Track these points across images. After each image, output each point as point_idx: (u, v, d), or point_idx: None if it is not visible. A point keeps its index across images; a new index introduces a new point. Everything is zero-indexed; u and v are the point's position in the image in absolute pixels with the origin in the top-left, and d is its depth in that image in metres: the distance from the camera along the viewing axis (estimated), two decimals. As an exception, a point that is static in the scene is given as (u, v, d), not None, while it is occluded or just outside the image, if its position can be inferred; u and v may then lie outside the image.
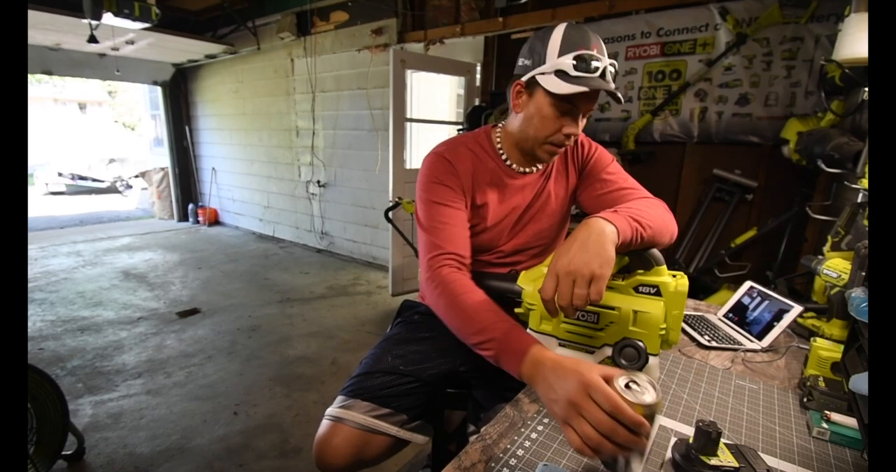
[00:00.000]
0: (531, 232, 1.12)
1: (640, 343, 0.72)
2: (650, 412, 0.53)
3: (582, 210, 1.09)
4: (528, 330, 0.82)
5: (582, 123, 0.97)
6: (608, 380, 0.56)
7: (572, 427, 0.57)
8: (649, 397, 0.53)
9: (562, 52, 0.89)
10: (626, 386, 0.55)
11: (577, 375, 0.58)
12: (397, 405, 1.00)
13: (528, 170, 1.07)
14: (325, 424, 0.99)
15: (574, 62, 0.88)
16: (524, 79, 0.96)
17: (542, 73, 0.92)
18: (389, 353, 1.08)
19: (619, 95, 0.91)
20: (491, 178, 1.05)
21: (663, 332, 0.74)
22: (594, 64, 0.88)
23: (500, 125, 1.10)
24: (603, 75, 0.89)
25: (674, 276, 0.76)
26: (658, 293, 0.74)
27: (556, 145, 0.98)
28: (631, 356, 0.72)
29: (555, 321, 0.79)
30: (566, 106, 0.93)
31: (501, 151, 1.07)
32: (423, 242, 0.99)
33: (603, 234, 0.71)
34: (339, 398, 1.02)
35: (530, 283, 0.83)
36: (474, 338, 0.80)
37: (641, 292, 0.75)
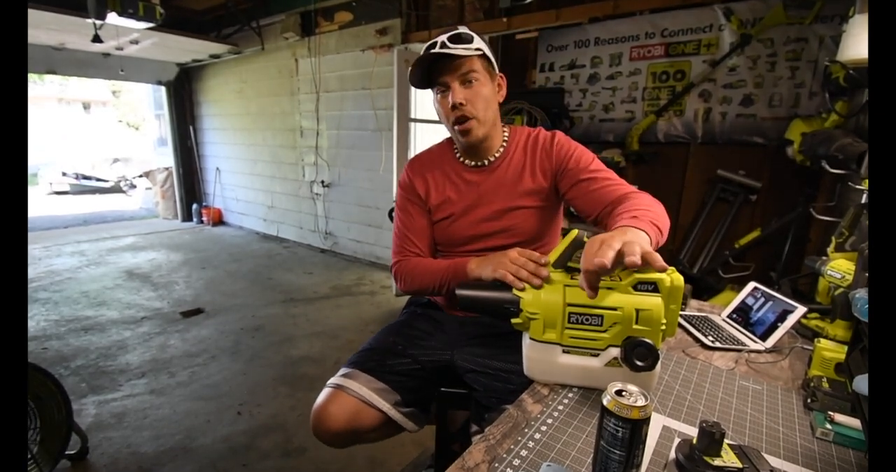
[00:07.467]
0: (499, 221, 1.14)
1: (650, 341, 0.73)
2: (645, 414, 0.57)
3: (575, 209, 1.11)
4: (529, 339, 0.82)
5: (465, 90, 1.05)
6: None
7: (503, 269, 0.85)
8: (640, 402, 0.57)
9: None
10: (618, 393, 0.59)
11: (500, 253, 0.91)
12: (393, 382, 1.07)
13: (479, 163, 1.17)
14: (325, 391, 1.06)
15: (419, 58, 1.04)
16: None
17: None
18: (392, 333, 1.18)
19: (457, 52, 1.01)
20: (450, 176, 1.18)
21: (664, 327, 0.74)
22: (430, 46, 1.03)
23: None
24: (442, 46, 1.02)
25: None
26: (656, 290, 0.75)
27: (458, 122, 1.08)
28: (643, 355, 0.73)
29: (558, 329, 0.78)
30: (438, 88, 1.08)
31: (457, 152, 1.20)
32: (392, 244, 1.22)
33: (641, 237, 0.75)
34: (342, 369, 1.10)
35: (528, 291, 0.81)
36: (442, 289, 1.06)
37: (640, 290, 0.76)
